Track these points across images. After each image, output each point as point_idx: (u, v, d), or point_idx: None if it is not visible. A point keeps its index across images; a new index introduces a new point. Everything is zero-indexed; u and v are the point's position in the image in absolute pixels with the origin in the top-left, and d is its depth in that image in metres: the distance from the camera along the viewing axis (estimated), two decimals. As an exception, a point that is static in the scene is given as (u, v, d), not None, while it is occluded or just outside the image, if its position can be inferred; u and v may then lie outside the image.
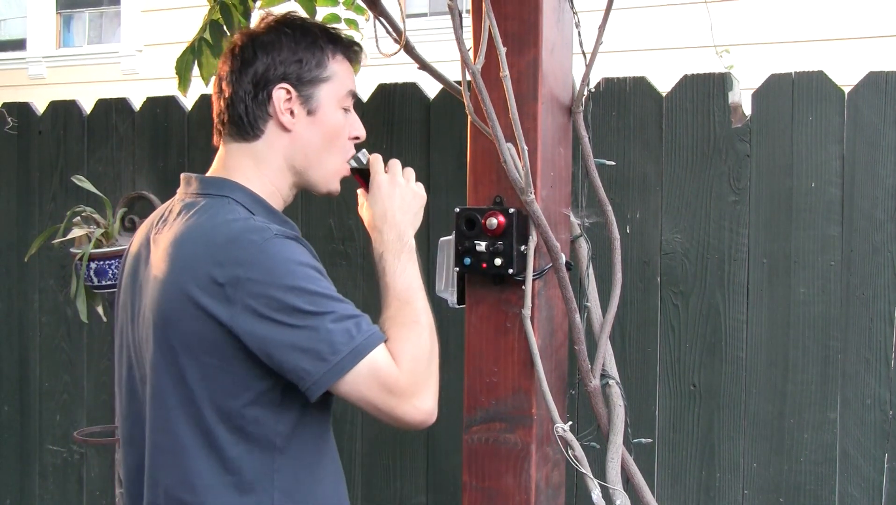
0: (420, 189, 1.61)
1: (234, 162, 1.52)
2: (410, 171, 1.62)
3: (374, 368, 1.38)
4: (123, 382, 1.55)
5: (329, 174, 1.56)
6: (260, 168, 1.51)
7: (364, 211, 1.60)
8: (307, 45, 1.51)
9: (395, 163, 1.60)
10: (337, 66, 1.54)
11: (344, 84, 1.55)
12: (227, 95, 1.51)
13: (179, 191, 1.55)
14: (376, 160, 1.60)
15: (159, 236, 1.48)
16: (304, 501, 1.47)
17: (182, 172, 1.57)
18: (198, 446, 1.41)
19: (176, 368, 1.41)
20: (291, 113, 1.50)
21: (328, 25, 1.60)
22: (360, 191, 1.63)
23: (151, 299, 1.43)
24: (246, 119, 1.50)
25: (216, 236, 1.39)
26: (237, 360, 1.38)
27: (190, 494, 1.41)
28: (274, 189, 1.52)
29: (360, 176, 1.62)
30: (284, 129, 1.50)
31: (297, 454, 1.46)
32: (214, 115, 1.55)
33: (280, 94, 1.49)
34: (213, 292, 1.36)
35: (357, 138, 1.59)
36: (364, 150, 1.63)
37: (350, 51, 1.57)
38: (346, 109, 1.56)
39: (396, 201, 1.56)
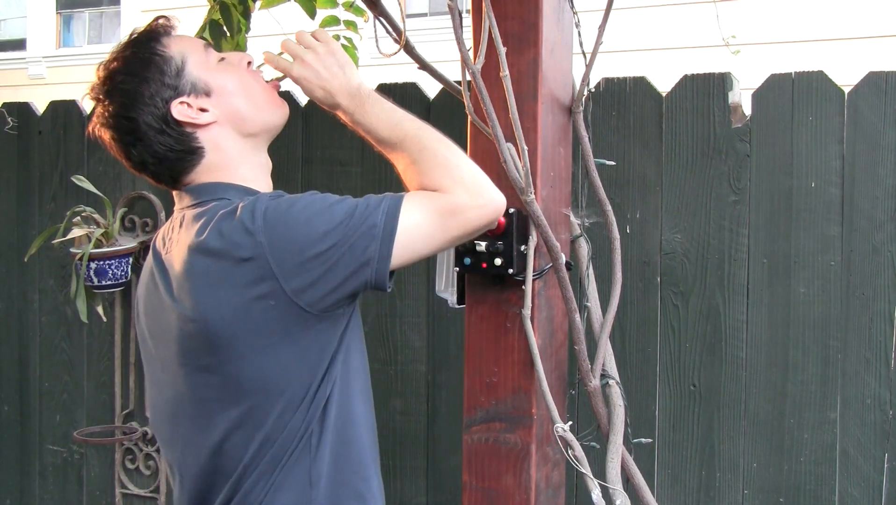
0: (329, 38, 1.53)
1: (205, 185, 1.50)
2: (320, 31, 1.54)
3: (418, 208, 1.38)
4: (162, 406, 1.53)
5: (265, 104, 1.52)
6: (228, 169, 1.50)
7: (314, 98, 1.54)
8: (143, 66, 1.47)
9: (303, 34, 1.53)
10: (172, 47, 1.49)
11: (192, 49, 1.51)
12: (150, 161, 1.48)
13: (175, 208, 1.54)
14: (287, 43, 1.53)
15: (170, 256, 1.46)
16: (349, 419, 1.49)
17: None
18: (253, 449, 1.41)
19: (221, 372, 1.40)
20: (202, 110, 1.47)
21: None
22: (296, 83, 1.54)
23: (179, 319, 1.42)
24: (184, 152, 1.47)
25: (225, 225, 1.38)
26: (297, 322, 1.38)
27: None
28: (253, 167, 1.52)
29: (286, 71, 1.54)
30: (208, 129, 1.48)
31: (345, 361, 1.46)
32: (155, 182, 1.53)
33: (178, 109, 1.46)
34: (248, 269, 1.35)
35: (250, 63, 1.55)
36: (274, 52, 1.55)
37: (163, 29, 1.51)
38: (220, 60, 1.52)
39: (328, 65, 1.50)
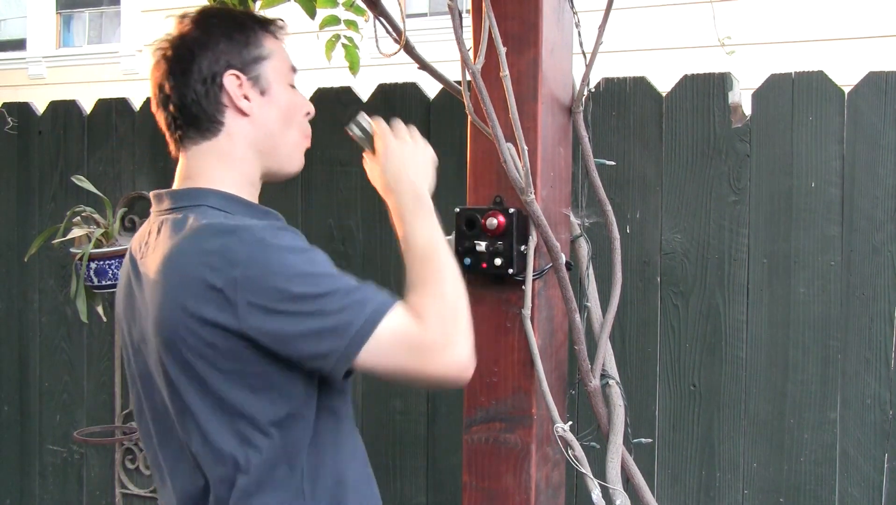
0: (427, 146, 1.58)
1: (197, 164, 1.49)
2: (415, 130, 1.59)
3: (394, 330, 1.34)
4: (152, 412, 1.51)
5: (293, 151, 1.54)
6: (226, 163, 1.49)
7: (375, 176, 1.57)
8: (238, 29, 1.50)
9: (400, 124, 1.58)
10: (271, 43, 1.52)
11: (284, 60, 1.54)
12: (175, 101, 1.48)
13: (152, 210, 1.52)
14: (380, 123, 1.58)
15: (146, 261, 1.45)
16: (330, 478, 1.47)
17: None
18: (235, 449, 1.40)
19: (198, 380, 1.39)
20: (247, 98, 1.48)
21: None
22: (366, 156, 1.60)
23: (153, 325, 1.41)
24: (205, 115, 1.47)
25: (204, 244, 1.37)
26: (255, 360, 1.37)
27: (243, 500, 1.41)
28: (244, 181, 1.50)
29: (364, 142, 1.60)
30: (243, 114, 1.48)
31: (321, 432, 1.45)
32: (164, 126, 1.52)
33: (231, 80, 1.47)
34: (213, 300, 1.34)
35: (309, 114, 1.57)
36: (362, 114, 1.60)
37: (277, 28, 1.55)
38: (292, 86, 1.55)
39: (408, 162, 1.54)
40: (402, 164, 1.54)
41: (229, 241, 1.36)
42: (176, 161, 1.53)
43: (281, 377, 1.39)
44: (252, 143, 1.50)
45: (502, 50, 1.57)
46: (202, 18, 1.50)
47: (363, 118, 1.59)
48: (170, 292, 1.38)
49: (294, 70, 1.56)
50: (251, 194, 1.52)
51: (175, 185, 1.52)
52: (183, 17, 1.51)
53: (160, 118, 1.52)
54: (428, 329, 1.35)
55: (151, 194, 1.53)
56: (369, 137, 1.58)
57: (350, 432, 1.53)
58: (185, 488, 1.48)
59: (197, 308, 1.35)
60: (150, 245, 1.46)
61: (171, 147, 1.53)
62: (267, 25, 1.53)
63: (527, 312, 1.73)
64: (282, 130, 1.52)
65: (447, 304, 1.40)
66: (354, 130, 1.59)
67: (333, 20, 2.39)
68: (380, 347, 1.34)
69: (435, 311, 1.37)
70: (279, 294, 1.33)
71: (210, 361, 1.37)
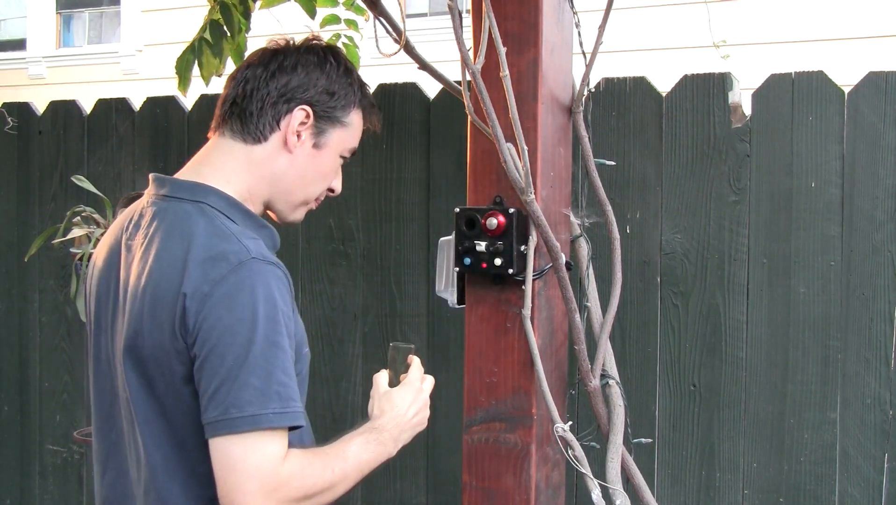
0: (426, 405, 1.64)
1: (220, 157, 1.50)
2: (431, 383, 1.65)
3: (261, 447, 1.31)
4: (99, 395, 1.52)
5: (299, 207, 1.57)
6: (245, 173, 1.49)
7: (379, 396, 1.60)
8: (344, 84, 1.53)
9: (431, 380, 1.65)
10: (356, 117, 1.56)
11: (354, 137, 1.57)
12: (247, 88, 1.49)
13: (149, 192, 1.51)
14: (417, 362, 1.65)
15: (133, 242, 1.45)
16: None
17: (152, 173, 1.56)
18: (170, 462, 1.39)
19: (146, 379, 1.39)
20: (299, 136, 1.49)
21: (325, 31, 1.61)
22: (382, 376, 1.65)
23: (127, 309, 1.41)
24: (255, 119, 1.48)
25: (195, 253, 1.37)
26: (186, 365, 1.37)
27: None
28: (249, 196, 1.51)
29: (392, 367, 1.67)
30: (286, 148, 1.49)
31: None
32: (221, 103, 1.53)
33: (300, 114, 1.49)
34: (179, 303, 1.34)
35: (332, 191, 1.59)
36: (412, 347, 1.67)
37: (371, 110, 1.59)
38: (342, 159, 1.57)
39: (413, 410, 1.59)
40: (410, 408, 1.59)
41: (216, 257, 1.36)
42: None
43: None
44: (277, 174, 1.51)
45: (502, 50, 1.57)
46: (326, 52, 1.53)
47: (406, 346, 1.67)
48: (149, 286, 1.38)
49: (353, 152, 1.58)
50: (257, 207, 1.53)
51: (185, 168, 1.52)
52: (316, 38, 1.55)
53: (224, 93, 1.53)
54: (279, 476, 1.32)
55: (152, 176, 1.53)
56: (400, 369, 1.66)
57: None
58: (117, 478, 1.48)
59: (166, 306, 1.36)
60: (142, 228, 1.46)
61: (212, 127, 1.54)
62: (366, 101, 1.57)
63: (527, 312, 1.73)
64: (305, 183, 1.53)
65: (311, 487, 1.37)
66: (400, 346, 1.67)
67: (333, 19, 2.40)
68: (236, 446, 1.31)
69: (301, 476, 1.35)
70: (224, 329, 1.32)
71: (159, 362, 1.37)
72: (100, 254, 1.55)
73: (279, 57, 1.50)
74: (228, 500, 1.31)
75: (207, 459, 1.34)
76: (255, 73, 1.50)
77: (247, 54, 1.71)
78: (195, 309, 1.33)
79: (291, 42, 1.53)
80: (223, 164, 1.49)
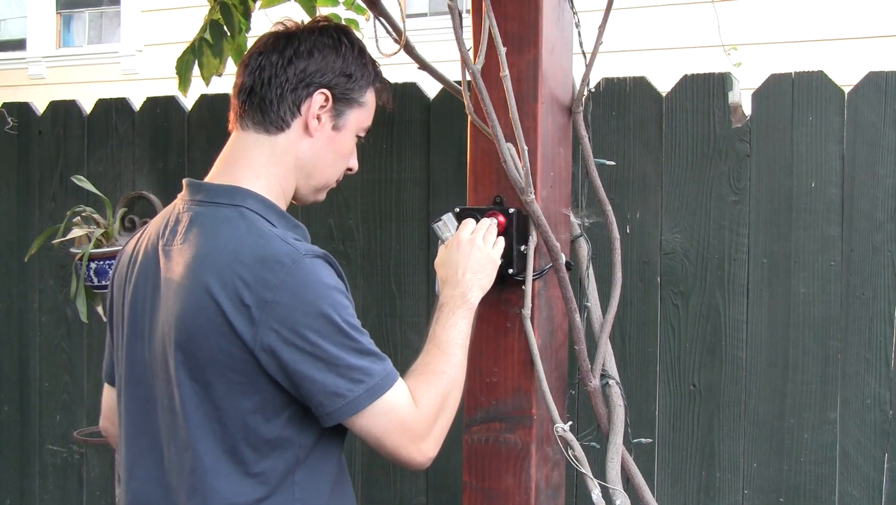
0: (496, 254, 1.67)
1: (247, 155, 1.49)
2: (492, 236, 1.68)
3: (391, 406, 1.40)
4: (131, 401, 1.50)
5: (323, 187, 1.58)
6: (273, 165, 1.49)
7: (438, 263, 1.66)
8: (360, 65, 1.53)
9: (482, 226, 1.68)
10: (371, 96, 1.57)
11: (369, 115, 1.58)
12: (264, 76, 1.48)
13: (183, 197, 1.50)
14: (464, 222, 1.69)
15: (171, 248, 1.44)
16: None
17: (183, 175, 1.56)
18: (221, 465, 1.40)
19: (201, 384, 1.39)
20: (319, 119, 1.50)
21: None
22: (440, 245, 1.70)
23: (173, 314, 1.40)
24: (276, 107, 1.48)
25: (244, 255, 1.37)
26: (262, 380, 1.38)
27: None
28: (280, 190, 1.51)
29: (443, 238, 1.71)
30: (307, 133, 1.50)
31: (316, 464, 1.45)
32: (236, 93, 1.52)
33: (319, 98, 1.49)
34: (240, 311, 1.35)
35: (351, 170, 1.61)
36: (450, 215, 1.71)
37: (384, 88, 1.60)
38: (358, 138, 1.58)
39: (471, 260, 1.63)
40: (465, 260, 1.62)
41: (269, 260, 1.36)
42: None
43: (279, 401, 1.40)
44: (301, 160, 1.51)
45: (502, 50, 1.57)
46: (339, 32, 1.53)
47: (450, 220, 1.71)
48: (200, 289, 1.37)
49: (368, 129, 1.60)
50: (283, 205, 1.53)
51: (215, 170, 1.52)
52: (326, 19, 1.56)
53: (239, 81, 1.52)
54: (418, 417, 1.42)
55: (186, 182, 1.52)
56: (449, 238, 1.69)
57: (339, 463, 1.53)
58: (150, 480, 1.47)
59: (226, 312, 1.35)
60: (179, 234, 1.45)
61: (231, 119, 1.54)
62: (378, 81, 1.58)
63: (527, 312, 1.73)
64: (326, 165, 1.55)
65: (440, 402, 1.46)
66: (440, 229, 1.70)
67: (334, 19, 2.39)
68: (374, 416, 1.39)
69: (429, 402, 1.44)
70: (301, 331, 1.35)
71: (219, 368, 1.37)
72: (130, 260, 1.54)
73: (294, 42, 1.50)
74: (402, 463, 1.43)
75: (261, 460, 1.39)
76: (270, 60, 1.49)
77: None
78: (263, 319, 1.34)
79: (304, 24, 1.53)
80: (251, 162, 1.49)
